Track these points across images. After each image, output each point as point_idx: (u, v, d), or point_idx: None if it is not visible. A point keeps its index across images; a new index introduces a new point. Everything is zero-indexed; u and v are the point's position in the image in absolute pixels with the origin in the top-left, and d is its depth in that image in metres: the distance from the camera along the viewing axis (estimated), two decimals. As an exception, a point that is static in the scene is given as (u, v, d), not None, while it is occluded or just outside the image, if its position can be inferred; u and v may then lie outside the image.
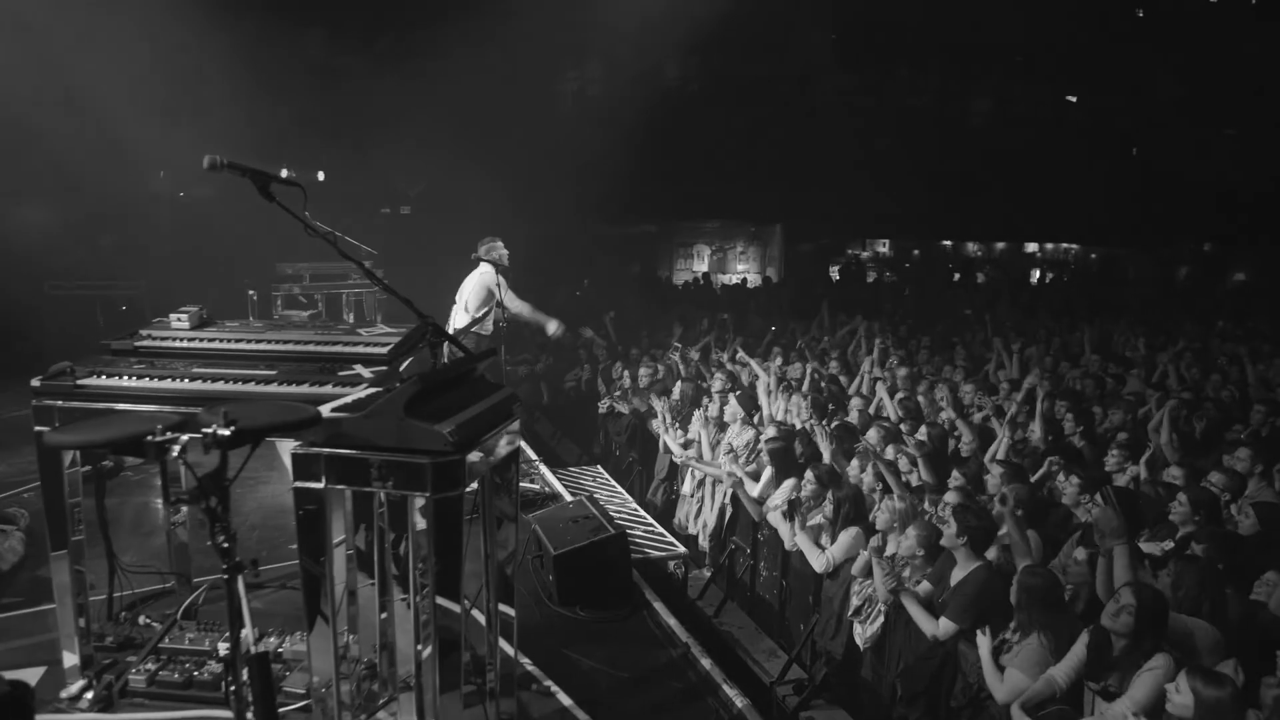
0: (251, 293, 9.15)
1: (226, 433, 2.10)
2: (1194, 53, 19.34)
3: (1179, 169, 18.56)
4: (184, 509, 4.45)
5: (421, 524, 2.65)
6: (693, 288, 18.01)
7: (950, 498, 5.49)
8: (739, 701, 4.22)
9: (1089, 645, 4.04)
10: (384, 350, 3.51)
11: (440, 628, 2.64)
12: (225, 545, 2.15)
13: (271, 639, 3.83)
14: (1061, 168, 18.04)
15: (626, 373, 9.87)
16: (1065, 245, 22.77)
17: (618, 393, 9.80)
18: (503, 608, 3.21)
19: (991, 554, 4.87)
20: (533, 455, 7.93)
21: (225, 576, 2.19)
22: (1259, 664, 3.64)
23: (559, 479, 7.34)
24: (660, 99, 16.02)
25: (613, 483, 7.74)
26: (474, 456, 2.67)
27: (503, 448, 2.96)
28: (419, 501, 2.61)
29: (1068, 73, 19.14)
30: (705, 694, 4.34)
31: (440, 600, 2.56)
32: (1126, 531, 4.40)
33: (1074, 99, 19.60)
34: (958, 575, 4.68)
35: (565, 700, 3.80)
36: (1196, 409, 7.74)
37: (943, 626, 4.54)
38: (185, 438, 2.10)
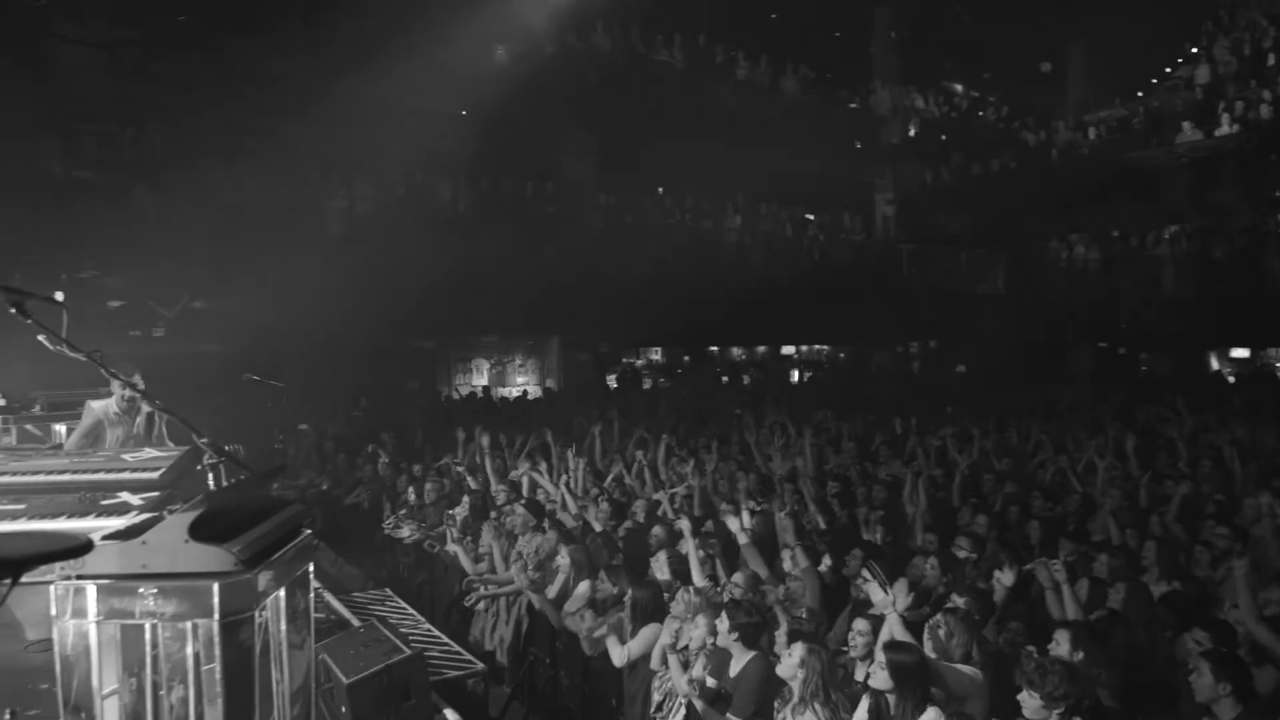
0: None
1: (-19, 568, 1.89)
2: (897, 177, 22.78)
3: (903, 275, 21.19)
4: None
5: (205, 659, 2.46)
6: (473, 401, 17.90)
7: (731, 591, 5.78)
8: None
9: (870, 709, 4.37)
10: (155, 475, 3.26)
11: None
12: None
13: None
14: (803, 277, 20.02)
15: (411, 490, 9.58)
16: (818, 346, 24.95)
17: (403, 511, 9.47)
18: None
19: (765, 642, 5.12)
20: (315, 583, 7.47)
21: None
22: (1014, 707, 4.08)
23: (345, 606, 6.92)
24: (431, 217, 16.19)
25: (403, 605, 7.41)
26: (263, 577, 2.54)
27: (294, 567, 2.83)
28: (202, 632, 2.43)
29: (805, 196, 21.54)
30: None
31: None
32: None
33: (811, 216, 21.91)
34: (735, 667, 4.88)
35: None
36: (941, 484, 8.72)
37: None
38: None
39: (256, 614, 2.47)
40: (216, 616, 2.34)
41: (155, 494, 3.14)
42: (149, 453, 3.60)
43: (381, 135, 14.37)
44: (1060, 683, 3.89)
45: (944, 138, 24.38)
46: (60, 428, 9.21)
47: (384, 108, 13.93)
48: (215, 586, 2.33)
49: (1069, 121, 23.53)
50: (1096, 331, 20.95)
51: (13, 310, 2.62)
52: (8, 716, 1.95)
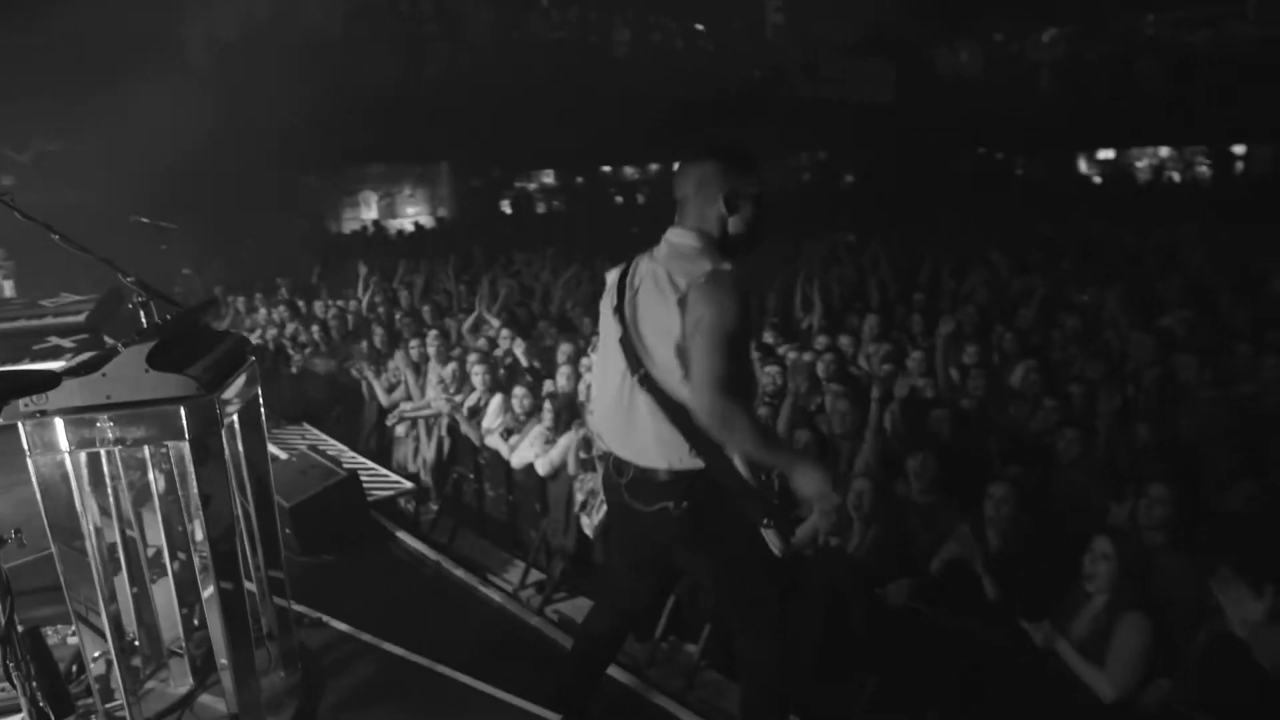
0: None
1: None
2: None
3: (792, 85, 21.06)
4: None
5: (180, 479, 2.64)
6: (364, 236, 17.47)
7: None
8: (497, 597, 4.58)
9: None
10: (81, 318, 3.30)
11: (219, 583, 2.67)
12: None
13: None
14: (695, 90, 19.73)
15: (315, 329, 9.55)
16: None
17: (308, 350, 9.47)
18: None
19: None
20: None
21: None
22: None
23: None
24: (307, 46, 15.12)
25: (324, 436, 7.62)
26: (222, 399, 2.69)
27: (246, 390, 2.98)
28: (174, 453, 2.60)
29: (695, 6, 20.86)
30: (465, 598, 4.62)
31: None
32: None
33: (700, 26, 21.40)
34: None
35: (341, 625, 3.90)
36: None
37: None
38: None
39: (223, 433, 2.65)
40: (187, 437, 2.51)
41: (85, 335, 3.19)
42: (66, 297, 3.60)
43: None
44: None
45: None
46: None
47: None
48: (182, 410, 2.48)
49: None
50: (976, 137, 21.59)
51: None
52: (14, 534, 2.11)
